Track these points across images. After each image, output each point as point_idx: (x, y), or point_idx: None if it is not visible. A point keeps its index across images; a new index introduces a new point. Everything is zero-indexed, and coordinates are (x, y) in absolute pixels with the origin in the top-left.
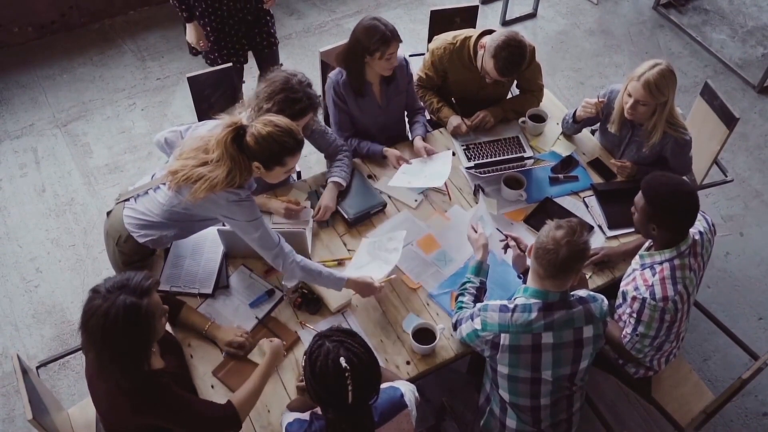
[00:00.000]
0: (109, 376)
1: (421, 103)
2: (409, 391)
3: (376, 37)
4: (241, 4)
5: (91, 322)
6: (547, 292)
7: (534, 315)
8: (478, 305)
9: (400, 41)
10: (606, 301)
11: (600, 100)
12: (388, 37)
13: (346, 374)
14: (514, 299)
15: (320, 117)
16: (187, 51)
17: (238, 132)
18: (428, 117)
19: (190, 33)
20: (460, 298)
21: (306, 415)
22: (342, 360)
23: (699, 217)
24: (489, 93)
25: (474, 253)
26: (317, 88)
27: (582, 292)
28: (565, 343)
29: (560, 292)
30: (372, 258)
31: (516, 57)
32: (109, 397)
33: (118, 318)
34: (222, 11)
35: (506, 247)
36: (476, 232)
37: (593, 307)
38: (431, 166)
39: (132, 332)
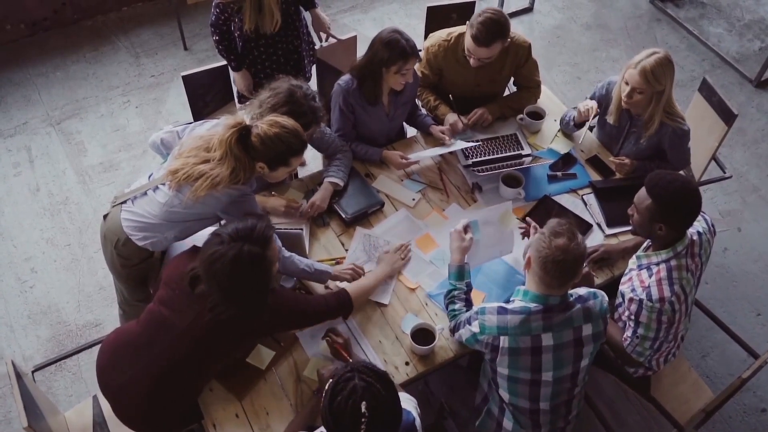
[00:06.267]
0: (230, 307)
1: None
2: (415, 411)
3: (395, 52)
4: (294, 44)
5: (215, 266)
6: (548, 296)
7: (533, 316)
8: (475, 308)
9: (419, 59)
10: (606, 297)
11: (586, 108)
12: (407, 53)
13: (362, 419)
14: (512, 301)
15: None
16: (182, 47)
17: (242, 132)
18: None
19: (240, 81)
20: (450, 307)
21: None
22: (363, 405)
23: (698, 217)
24: (486, 90)
25: (452, 255)
26: (313, 85)
27: (581, 290)
28: (565, 344)
29: (561, 296)
30: (368, 257)
31: (490, 24)
32: (227, 326)
33: (243, 267)
34: (278, 56)
35: (526, 234)
36: (465, 234)
37: (592, 305)
38: (441, 148)
39: (255, 279)
